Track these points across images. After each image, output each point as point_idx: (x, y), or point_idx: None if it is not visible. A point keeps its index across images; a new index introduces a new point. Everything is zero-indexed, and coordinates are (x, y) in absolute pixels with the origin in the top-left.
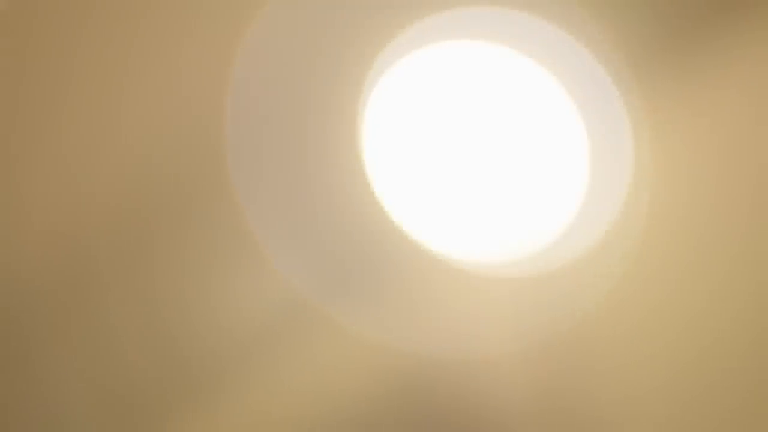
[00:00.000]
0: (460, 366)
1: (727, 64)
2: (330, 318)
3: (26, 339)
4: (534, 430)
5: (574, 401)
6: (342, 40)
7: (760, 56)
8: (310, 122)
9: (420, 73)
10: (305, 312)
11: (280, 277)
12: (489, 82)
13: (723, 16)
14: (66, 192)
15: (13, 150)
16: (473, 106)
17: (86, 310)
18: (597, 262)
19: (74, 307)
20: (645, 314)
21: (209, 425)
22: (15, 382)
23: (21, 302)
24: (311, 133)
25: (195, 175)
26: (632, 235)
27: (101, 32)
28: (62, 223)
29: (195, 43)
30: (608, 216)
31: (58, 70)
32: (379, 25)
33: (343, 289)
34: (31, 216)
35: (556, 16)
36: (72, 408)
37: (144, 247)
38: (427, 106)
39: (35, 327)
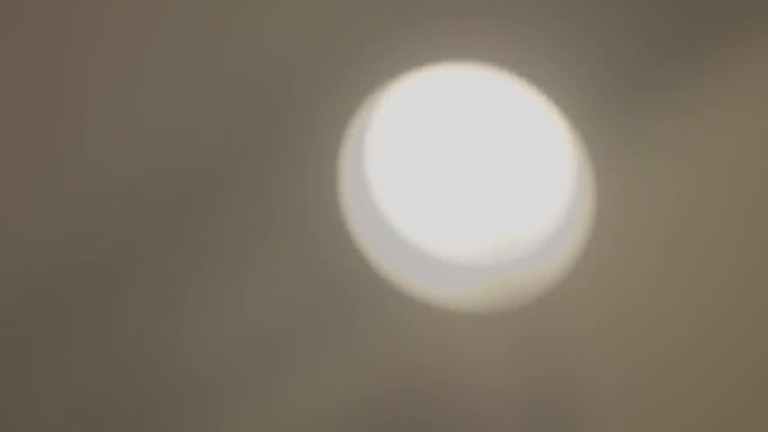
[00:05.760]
0: (441, 397)
1: (710, 91)
2: (304, 353)
3: (31, 341)
4: None
5: (559, 424)
6: (333, 63)
7: (736, 88)
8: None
9: (405, 100)
10: (287, 338)
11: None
12: (476, 104)
13: (703, 45)
14: (66, 195)
15: (14, 151)
16: (455, 132)
17: (88, 314)
18: (573, 289)
19: (77, 311)
20: (626, 337)
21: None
22: (20, 386)
23: (26, 305)
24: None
25: (196, 175)
26: (610, 258)
27: (98, 33)
28: (65, 225)
29: (193, 45)
30: (583, 242)
31: (57, 73)
32: (371, 49)
33: (324, 321)
34: (32, 217)
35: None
36: (77, 413)
37: (144, 252)
38: (414, 132)
39: (41, 329)
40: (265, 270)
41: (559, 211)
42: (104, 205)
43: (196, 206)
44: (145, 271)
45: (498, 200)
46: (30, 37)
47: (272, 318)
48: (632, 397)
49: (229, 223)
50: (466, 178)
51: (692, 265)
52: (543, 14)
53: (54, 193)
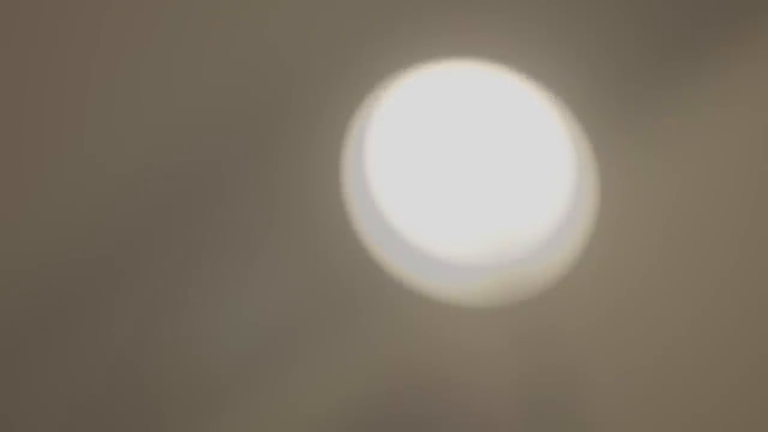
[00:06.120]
0: (443, 398)
1: (706, 91)
2: (307, 350)
3: (31, 340)
4: None
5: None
6: (335, 61)
7: (738, 86)
8: (291, 155)
9: (407, 97)
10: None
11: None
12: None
13: (704, 43)
14: (67, 192)
15: (14, 149)
16: (457, 129)
17: (88, 313)
18: (576, 286)
19: (77, 310)
20: (626, 335)
21: None
22: (20, 385)
23: (26, 303)
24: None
25: (197, 174)
26: (611, 256)
27: (99, 31)
28: (65, 223)
29: (194, 44)
30: (584, 240)
31: (58, 69)
32: (372, 46)
33: (326, 320)
34: (32, 215)
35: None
36: (76, 412)
37: (145, 250)
38: (416, 129)
39: (42, 327)
40: (266, 268)
41: (561, 207)
42: (105, 203)
43: (197, 205)
44: (146, 269)
45: (501, 196)
46: (30, 30)
47: (274, 316)
48: (633, 395)
49: (230, 221)
50: (468, 175)
51: (694, 263)
52: (545, 11)
53: (54, 190)
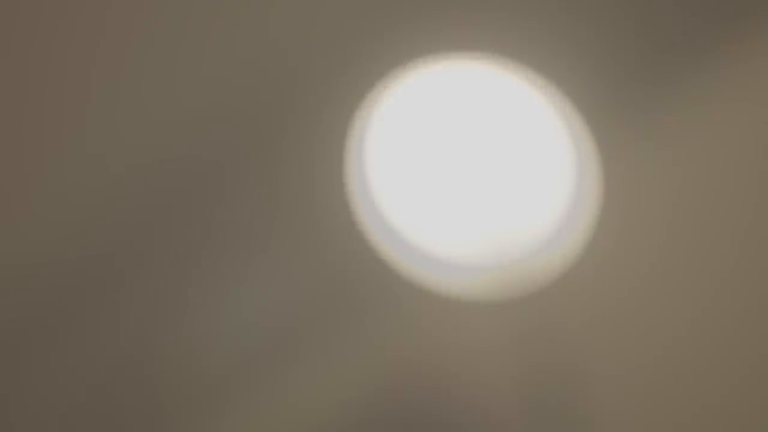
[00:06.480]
0: (445, 394)
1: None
2: (314, 345)
3: (31, 337)
4: None
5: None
6: (337, 58)
7: (740, 83)
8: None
9: (409, 95)
10: (294, 336)
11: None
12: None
13: (706, 42)
14: (69, 193)
15: (15, 146)
16: (460, 125)
17: (89, 311)
18: (577, 282)
19: (77, 307)
20: (626, 331)
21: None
22: (20, 383)
23: (26, 300)
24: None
25: (200, 172)
26: (610, 255)
27: (102, 28)
28: (66, 220)
29: (196, 42)
30: (585, 237)
31: (60, 65)
32: (373, 44)
33: (329, 317)
34: (33, 213)
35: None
36: (77, 410)
37: (147, 249)
38: (419, 126)
39: (42, 325)
40: (268, 266)
41: (563, 203)
42: (106, 202)
43: (199, 204)
44: (147, 268)
45: (503, 193)
46: (30, 30)
47: (275, 315)
48: (633, 391)
49: (232, 220)
50: (470, 172)
51: (695, 260)
52: (546, 8)
53: (55, 189)
